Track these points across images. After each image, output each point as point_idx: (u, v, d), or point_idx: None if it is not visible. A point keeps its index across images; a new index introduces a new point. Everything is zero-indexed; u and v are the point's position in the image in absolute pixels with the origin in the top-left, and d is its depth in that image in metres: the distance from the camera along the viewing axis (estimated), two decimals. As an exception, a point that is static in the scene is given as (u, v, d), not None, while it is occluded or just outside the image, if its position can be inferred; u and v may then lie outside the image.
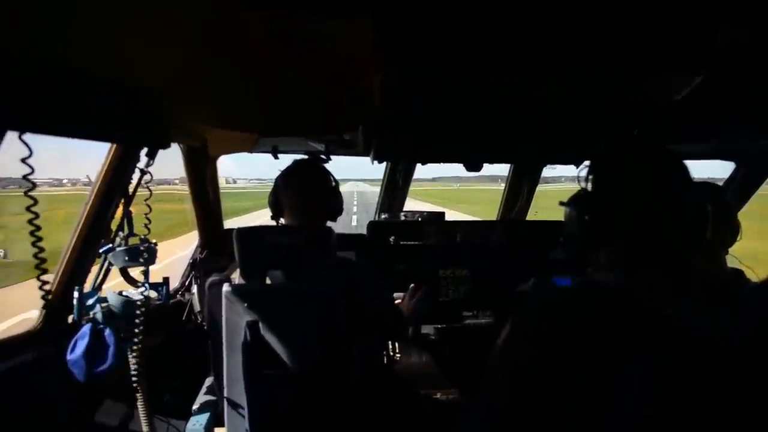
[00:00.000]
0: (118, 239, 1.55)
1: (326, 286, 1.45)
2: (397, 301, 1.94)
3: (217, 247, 2.30)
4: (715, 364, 0.63)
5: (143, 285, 1.56)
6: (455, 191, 61.90)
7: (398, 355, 2.22)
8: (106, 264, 1.58)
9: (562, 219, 0.93)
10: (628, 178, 0.84)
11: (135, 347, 1.50)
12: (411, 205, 3.06)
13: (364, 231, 2.49)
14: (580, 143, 1.70)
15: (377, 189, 3.05)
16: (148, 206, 1.55)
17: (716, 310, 0.72)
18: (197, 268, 2.26)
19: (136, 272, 1.60)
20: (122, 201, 1.56)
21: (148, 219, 1.54)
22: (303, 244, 1.46)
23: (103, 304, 1.47)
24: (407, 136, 1.68)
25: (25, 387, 1.39)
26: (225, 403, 1.47)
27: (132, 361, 1.50)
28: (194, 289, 2.16)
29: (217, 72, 1.23)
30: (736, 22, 0.99)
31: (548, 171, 3.15)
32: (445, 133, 1.66)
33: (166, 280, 1.71)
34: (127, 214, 1.55)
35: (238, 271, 1.52)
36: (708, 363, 0.64)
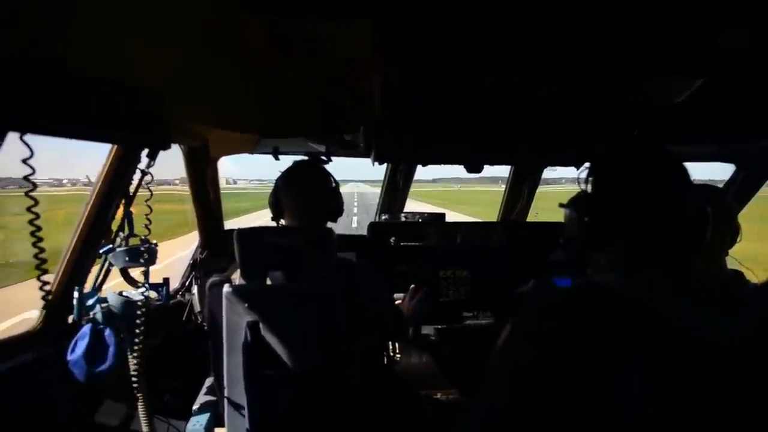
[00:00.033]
0: (118, 240, 1.56)
1: (327, 286, 1.45)
2: (397, 302, 1.94)
3: (217, 248, 2.30)
4: (715, 365, 0.63)
5: (143, 285, 1.57)
6: (456, 192, 61.89)
7: (398, 356, 2.22)
8: (106, 264, 1.58)
9: (563, 221, 0.93)
10: (628, 180, 0.84)
11: (135, 347, 1.50)
12: (412, 206, 3.06)
13: (364, 232, 2.49)
14: (581, 145, 1.70)
15: (377, 190, 3.05)
16: (149, 207, 1.56)
17: (716, 312, 0.72)
18: (198, 268, 2.26)
19: (136, 272, 1.60)
20: (123, 201, 1.56)
21: (148, 219, 1.54)
22: (303, 245, 1.46)
23: (103, 305, 1.47)
24: (408, 138, 1.68)
25: (26, 387, 1.39)
26: (225, 403, 1.47)
27: (132, 361, 1.51)
28: (194, 289, 2.17)
29: (218, 73, 1.23)
30: (736, 24, 1.00)
31: (549, 172, 3.16)
32: (446, 135, 1.66)
33: (166, 280, 1.71)
34: (127, 215, 1.55)
35: (238, 271, 1.52)
36: (708, 364, 0.64)
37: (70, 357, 1.43)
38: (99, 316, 1.46)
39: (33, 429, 1.43)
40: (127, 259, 1.52)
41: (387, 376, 2.18)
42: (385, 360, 2.21)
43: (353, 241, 2.43)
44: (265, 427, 1.44)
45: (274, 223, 1.65)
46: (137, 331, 1.48)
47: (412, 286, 1.98)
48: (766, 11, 0.95)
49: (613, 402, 0.66)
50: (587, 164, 0.92)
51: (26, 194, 1.04)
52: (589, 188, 0.88)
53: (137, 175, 1.54)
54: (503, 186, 3.02)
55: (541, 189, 2.91)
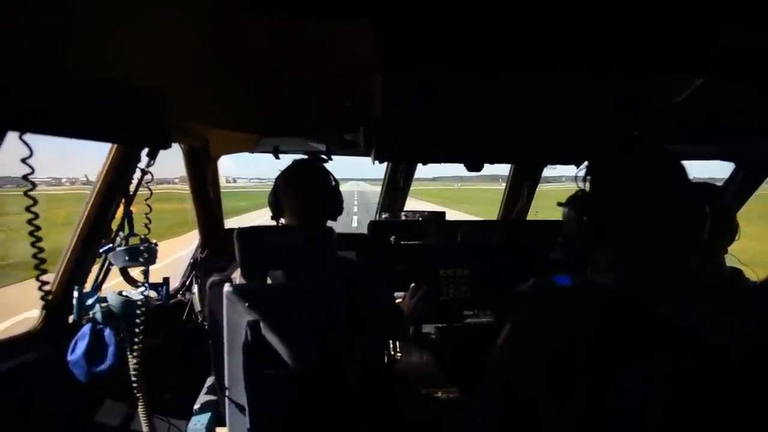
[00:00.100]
0: (118, 239, 1.56)
1: (327, 285, 1.45)
2: (397, 301, 1.94)
3: (217, 247, 2.30)
4: (715, 364, 0.64)
5: (143, 285, 1.57)
6: (456, 191, 61.88)
7: (399, 355, 2.22)
8: (106, 264, 1.58)
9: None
10: (627, 180, 0.84)
11: (135, 347, 1.50)
12: (412, 204, 3.06)
13: (364, 232, 2.49)
14: (581, 144, 1.70)
15: (378, 188, 3.05)
16: (149, 206, 1.56)
17: (716, 311, 0.72)
18: (198, 267, 2.26)
19: (135, 272, 1.60)
20: (123, 201, 1.56)
21: (148, 219, 1.54)
22: (304, 244, 1.46)
23: (103, 304, 1.47)
24: (408, 137, 1.68)
25: (26, 387, 1.40)
26: (226, 402, 1.48)
27: (132, 361, 1.51)
28: (195, 288, 2.17)
29: (218, 73, 1.23)
30: (736, 25, 1.00)
31: (549, 171, 3.15)
32: (446, 134, 1.66)
33: (166, 280, 1.71)
34: (127, 214, 1.55)
35: (238, 270, 1.52)
36: (708, 363, 0.64)
37: (70, 357, 1.43)
38: (99, 316, 1.46)
39: (34, 429, 1.43)
40: (127, 258, 1.52)
41: (387, 375, 2.19)
42: (386, 359, 2.22)
43: (353, 239, 2.43)
44: (266, 426, 1.45)
45: (273, 222, 1.65)
46: (137, 330, 1.49)
47: (413, 284, 1.99)
48: (766, 12, 0.95)
49: (613, 402, 0.66)
50: (586, 163, 0.92)
51: (25, 194, 1.04)
52: (587, 187, 0.88)
53: (137, 174, 1.54)
54: (503, 184, 3.02)
55: (541, 187, 2.91)
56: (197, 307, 2.09)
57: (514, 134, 1.67)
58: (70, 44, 0.87)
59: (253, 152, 2.18)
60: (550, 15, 0.99)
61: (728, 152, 2.33)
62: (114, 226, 1.58)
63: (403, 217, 2.63)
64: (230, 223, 2.50)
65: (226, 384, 1.46)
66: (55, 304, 1.51)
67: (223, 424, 1.52)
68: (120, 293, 1.51)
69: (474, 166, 1.88)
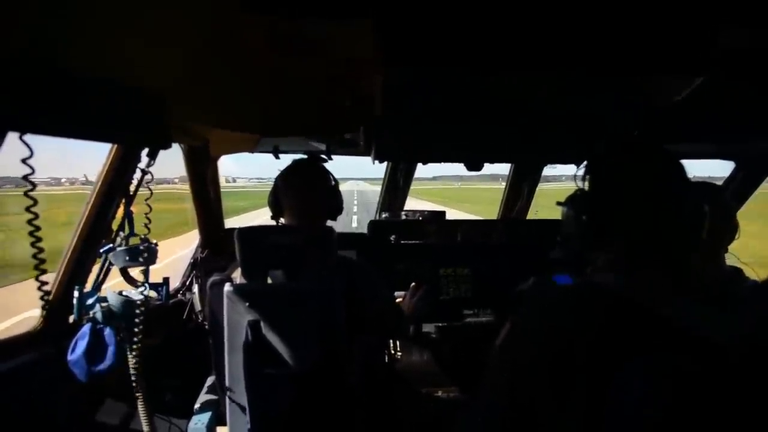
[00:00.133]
0: (118, 239, 1.56)
1: (327, 285, 1.45)
2: (397, 300, 1.94)
3: (217, 247, 2.30)
4: (715, 364, 0.64)
5: (143, 284, 1.57)
6: (456, 190, 61.84)
7: (399, 354, 2.22)
8: (106, 264, 1.58)
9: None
10: (626, 179, 0.84)
11: (135, 347, 1.50)
12: (412, 204, 3.06)
13: (364, 232, 2.49)
14: (581, 143, 1.70)
15: (377, 188, 3.05)
16: (149, 206, 1.56)
17: (716, 310, 0.72)
18: (198, 267, 2.26)
19: (135, 272, 1.60)
20: (123, 201, 1.56)
21: (148, 219, 1.54)
22: (304, 244, 1.46)
23: (103, 304, 1.47)
24: (408, 137, 1.68)
25: (27, 387, 1.40)
26: (227, 402, 1.48)
27: (132, 360, 1.51)
28: (195, 288, 2.17)
29: (218, 73, 1.24)
30: (736, 25, 1.00)
31: (549, 170, 3.16)
32: (446, 133, 1.66)
33: (166, 280, 1.71)
34: (128, 214, 1.55)
35: (239, 270, 1.52)
36: (708, 363, 0.64)
37: (70, 357, 1.43)
38: (99, 316, 1.46)
39: (35, 428, 1.43)
40: (127, 258, 1.52)
41: (387, 375, 2.19)
42: (386, 358, 2.22)
43: (353, 239, 2.43)
44: (267, 426, 1.45)
45: (271, 222, 1.65)
46: (137, 330, 1.49)
47: (413, 284, 1.99)
48: (766, 12, 0.95)
49: (613, 402, 0.66)
50: (585, 162, 0.92)
51: (25, 194, 1.04)
52: (586, 186, 0.88)
53: (137, 174, 1.54)
54: (503, 183, 3.02)
55: (541, 186, 2.91)
56: (197, 306, 2.09)
57: (514, 134, 1.67)
58: (70, 44, 0.87)
59: (253, 152, 2.18)
60: (550, 15, 0.99)
61: (728, 151, 2.33)
62: (114, 226, 1.58)
63: (404, 217, 2.63)
64: (229, 223, 2.50)
65: (227, 383, 1.46)
66: (56, 304, 1.51)
67: (224, 424, 1.52)
68: (120, 293, 1.51)
69: (474, 165, 1.88)
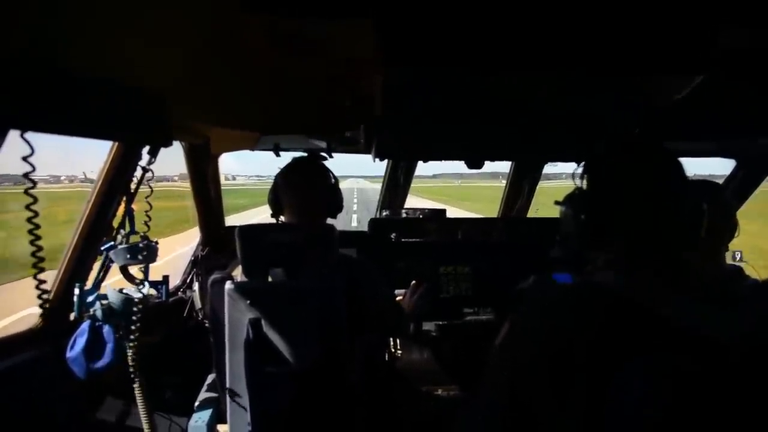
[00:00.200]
0: (119, 237, 1.56)
1: (328, 283, 1.45)
2: (398, 298, 1.94)
3: (218, 245, 2.31)
4: (715, 363, 0.64)
5: (142, 282, 1.57)
6: (456, 188, 61.80)
7: (399, 352, 2.23)
8: (106, 262, 1.58)
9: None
10: (624, 177, 0.84)
11: (135, 344, 1.50)
12: (413, 202, 3.06)
13: (365, 230, 2.50)
14: (581, 142, 1.70)
15: (378, 186, 3.05)
16: (149, 204, 1.56)
17: (716, 309, 0.72)
18: (199, 265, 2.27)
19: (135, 269, 1.60)
20: (124, 198, 1.56)
21: (148, 216, 1.54)
22: (305, 242, 1.46)
23: (104, 301, 1.47)
24: (408, 135, 1.68)
25: (27, 385, 1.40)
26: (227, 399, 1.48)
27: (132, 358, 1.51)
28: (195, 286, 2.17)
29: (219, 72, 1.24)
30: (736, 25, 0.99)
31: (550, 168, 3.16)
32: (446, 132, 1.66)
33: (165, 278, 1.71)
34: (129, 212, 1.55)
35: (239, 268, 1.52)
36: (708, 362, 0.64)
37: (69, 354, 1.43)
38: (99, 313, 1.46)
39: (35, 426, 1.43)
40: (128, 256, 1.52)
41: (388, 373, 2.19)
42: (386, 356, 2.22)
43: (354, 237, 2.44)
44: (267, 424, 1.45)
45: (271, 220, 1.65)
46: (137, 327, 1.49)
47: (413, 282, 1.99)
48: (766, 12, 0.95)
49: (613, 401, 0.66)
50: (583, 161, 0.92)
51: (26, 192, 1.04)
52: (585, 185, 0.88)
53: (138, 172, 1.54)
54: (503, 181, 3.02)
55: (541, 184, 2.91)
56: (198, 304, 2.09)
57: (514, 133, 1.67)
58: (71, 44, 0.87)
59: (253, 150, 2.18)
60: (550, 15, 0.99)
61: (729, 149, 2.33)
62: (115, 223, 1.58)
63: (404, 215, 2.63)
64: (228, 221, 2.50)
65: (227, 381, 1.47)
66: (56, 302, 1.51)
67: (224, 422, 1.52)
68: (120, 290, 1.51)
69: (474, 163, 1.88)
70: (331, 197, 1.63)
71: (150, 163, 1.45)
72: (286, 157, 1.69)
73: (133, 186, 1.57)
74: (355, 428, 1.55)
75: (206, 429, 1.55)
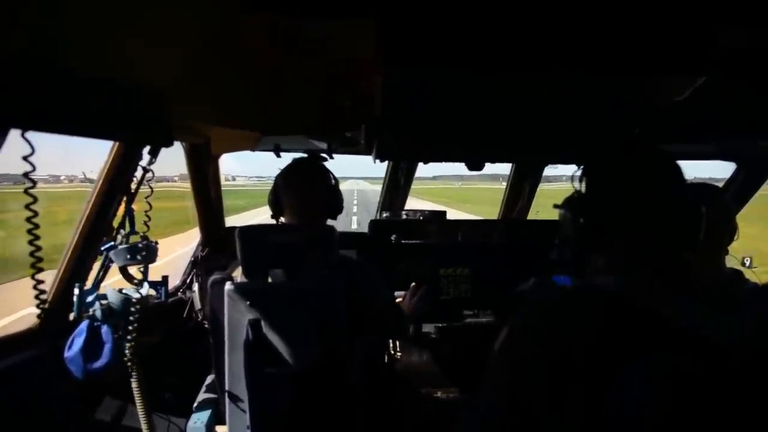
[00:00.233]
0: (119, 237, 1.56)
1: (328, 284, 1.45)
2: (398, 300, 1.94)
3: (218, 245, 2.31)
4: (715, 365, 0.64)
5: (142, 282, 1.56)
6: (457, 190, 61.84)
7: (399, 354, 2.22)
8: (106, 262, 1.58)
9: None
10: (623, 180, 0.84)
11: (135, 345, 1.50)
12: (413, 204, 3.06)
13: (365, 231, 2.50)
14: (582, 144, 1.70)
15: (378, 187, 3.05)
16: (149, 204, 1.56)
17: (715, 312, 0.72)
18: (198, 265, 2.27)
19: (134, 270, 1.60)
20: (124, 198, 1.56)
21: (148, 216, 1.54)
22: (305, 243, 1.46)
23: (103, 302, 1.47)
24: (409, 136, 1.68)
25: (26, 384, 1.40)
26: (226, 400, 1.48)
27: (131, 358, 1.51)
28: (195, 286, 2.17)
29: (219, 72, 1.24)
30: (736, 25, 0.99)
31: (550, 170, 3.16)
32: (447, 133, 1.66)
33: (165, 278, 1.71)
34: (129, 212, 1.55)
35: (239, 269, 1.52)
36: (708, 364, 0.64)
37: (66, 354, 1.42)
38: (98, 313, 1.46)
39: (33, 426, 1.43)
40: (128, 256, 1.52)
41: (387, 374, 2.19)
42: (386, 358, 2.22)
43: (354, 238, 2.43)
44: (266, 424, 1.45)
45: (271, 220, 1.65)
46: (136, 327, 1.49)
47: (413, 284, 1.99)
48: (766, 12, 0.95)
49: (614, 403, 0.66)
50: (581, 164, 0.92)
51: (25, 191, 1.04)
52: (583, 188, 0.88)
53: (138, 172, 1.54)
54: (504, 183, 3.02)
55: (542, 187, 2.91)
56: (197, 305, 2.09)
57: (514, 134, 1.67)
58: (71, 44, 0.87)
59: (254, 150, 2.19)
60: (551, 15, 0.99)
61: (729, 152, 2.33)
62: (115, 223, 1.58)
63: (404, 216, 2.63)
64: (227, 222, 2.50)
65: (227, 382, 1.46)
66: (56, 302, 1.51)
67: (223, 423, 1.52)
68: (120, 291, 1.51)
69: (475, 165, 1.88)
70: (331, 198, 1.63)
71: (151, 163, 1.46)
72: (287, 158, 1.69)
73: (133, 186, 1.57)
74: (354, 429, 1.55)
75: (205, 430, 1.55)
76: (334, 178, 1.65)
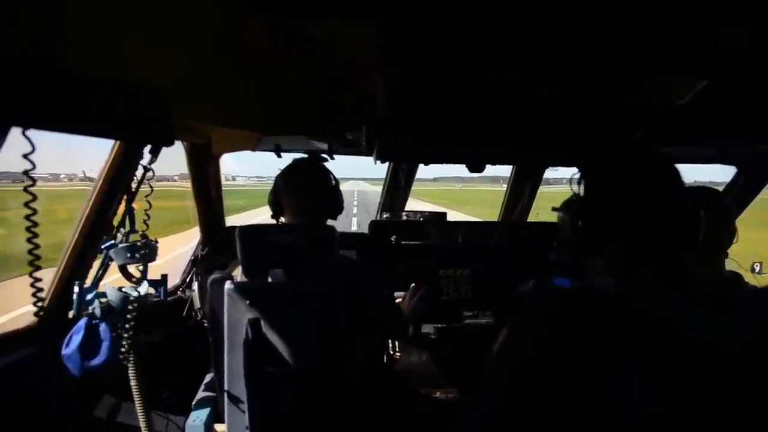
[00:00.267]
0: (119, 236, 1.56)
1: (328, 284, 1.45)
2: (397, 301, 1.94)
3: (218, 245, 2.31)
4: (715, 367, 0.64)
5: (141, 281, 1.56)
6: (457, 192, 61.82)
7: (398, 354, 2.22)
8: (106, 260, 1.58)
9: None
10: (621, 182, 0.84)
11: (133, 343, 1.50)
12: (413, 205, 3.06)
13: (365, 232, 2.50)
14: (582, 145, 1.70)
15: (378, 188, 3.06)
16: (149, 203, 1.56)
17: (715, 314, 0.72)
18: (198, 265, 2.27)
19: (133, 268, 1.60)
20: (124, 197, 1.56)
21: (147, 216, 1.54)
22: (305, 243, 1.46)
23: (102, 300, 1.47)
24: (410, 137, 1.68)
25: (25, 382, 1.40)
26: (225, 399, 1.48)
27: (130, 357, 1.51)
28: (195, 285, 2.17)
29: (220, 72, 1.24)
30: (736, 26, 1.00)
31: (550, 172, 3.16)
32: (448, 134, 1.66)
33: (164, 277, 1.71)
34: (129, 211, 1.55)
35: (239, 268, 1.52)
36: (708, 366, 0.64)
37: (64, 351, 1.42)
38: (97, 311, 1.46)
39: (31, 423, 1.43)
40: (128, 255, 1.52)
41: (387, 375, 2.19)
42: (386, 358, 2.22)
43: (354, 239, 2.44)
44: (265, 424, 1.45)
45: (270, 221, 1.65)
46: (134, 326, 1.49)
47: (413, 284, 1.99)
48: (766, 12, 0.95)
49: (614, 405, 0.66)
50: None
51: (25, 189, 1.04)
52: (581, 191, 0.88)
53: (139, 171, 1.54)
54: (504, 185, 3.02)
55: (542, 189, 2.91)
56: (197, 304, 2.09)
57: (515, 135, 1.67)
58: (71, 44, 0.87)
59: (254, 150, 2.19)
60: (551, 15, 0.99)
61: (730, 156, 2.33)
62: (115, 222, 1.58)
63: (404, 217, 2.63)
64: (227, 221, 2.50)
65: (226, 381, 1.46)
66: (55, 300, 1.51)
67: (222, 421, 1.52)
68: (120, 289, 1.51)
69: (475, 166, 1.88)
70: (331, 198, 1.63)
71: (151, 162, 1.46)
72: (287, 158, 1.70)
73: (133, 185, 1.57)
74: (354, 429, 1.55)
75: (204, 428, 1.55)
76: (335, 178, 1.65)
